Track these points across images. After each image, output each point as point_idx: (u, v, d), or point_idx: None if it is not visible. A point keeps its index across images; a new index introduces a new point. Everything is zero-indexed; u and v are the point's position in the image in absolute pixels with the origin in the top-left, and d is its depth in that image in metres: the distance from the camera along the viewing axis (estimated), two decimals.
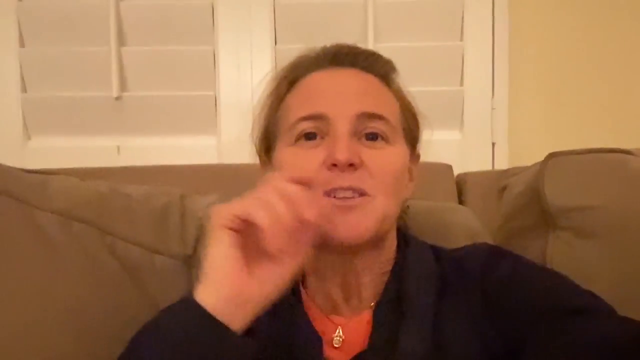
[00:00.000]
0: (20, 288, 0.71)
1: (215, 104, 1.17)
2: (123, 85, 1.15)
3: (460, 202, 0.96)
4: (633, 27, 1.19)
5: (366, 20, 1.15)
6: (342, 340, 0.60)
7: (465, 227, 0.80)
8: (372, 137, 0.59)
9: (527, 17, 1.19)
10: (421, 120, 0.67)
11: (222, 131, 1.16)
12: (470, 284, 0.59)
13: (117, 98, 1.14)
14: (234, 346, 0.49)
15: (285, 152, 0.60)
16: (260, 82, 0.67)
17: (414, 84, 0.67)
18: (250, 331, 0.50)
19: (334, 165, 0.55)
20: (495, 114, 1.17)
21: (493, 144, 1.18)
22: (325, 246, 0.57)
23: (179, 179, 0.94)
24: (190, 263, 0.77)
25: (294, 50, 0.66)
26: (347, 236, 0.55)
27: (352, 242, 0.56)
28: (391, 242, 0.64)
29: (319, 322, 0.61)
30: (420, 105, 0.67)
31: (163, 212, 0.79)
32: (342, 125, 0.57)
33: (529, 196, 0.80)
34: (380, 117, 0.59)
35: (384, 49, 0.67)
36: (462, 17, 1.17)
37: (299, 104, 0.61)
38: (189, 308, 0.48)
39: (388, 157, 0.59)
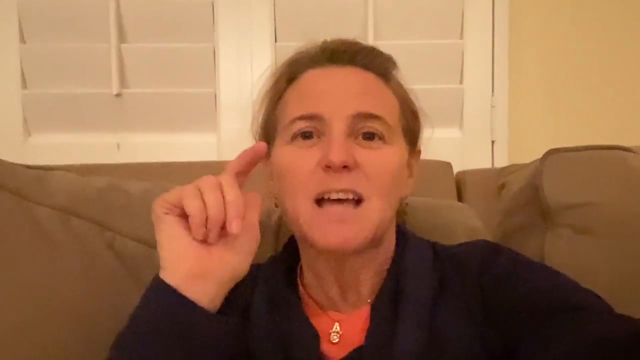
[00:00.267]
0: (19, 283, 0.71)
1: (215, 101, 1.17)
2: (123, 82, 1.15)
3: (460, 199, 0.96)
4: (633, 25, 1.19)
5: (366, 18, 1.15)
6: (340, 336, 0.60)
7: (464, 224, 0.80)
8: (369, 137, 0.59)
9: (527, 15, 1.19)
10: (422, 117, 0.67)
11: (222, 128, 1.16)
12: (468, 280, 0.59)
13: (117, 95, 1.15)
14: (203, 320, 0.50)
15: (281, 151, 0.61)
16: (259, 78, 0.67)
17: (413, 82, 0.67)
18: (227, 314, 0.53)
19: (329, 166, 0.55)
20: (495, 112, 1.17)
21: (493, 142, 1.18)
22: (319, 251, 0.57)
23: (179, 175, 0.93)
24: None
25: (294, 48, 0.66)
26: (339, 249, 0.56)
27: (344, 252, 0.57)
28: (390, 240, 0.64)
29: (317, 318, 0.61)
30: (420, 103, 0.67)
31: None
32: (337, 126, 0.57)
33: (528, 193, 0.80)
34: (376, 117, 0.59)
35: (384, 46, 0.67)
36: (462, 15, 1.17)
37: (296, 103, 0.61)
38: (155, 286, 0.51)
39: (384, 157, 0.59)
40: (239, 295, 0.62)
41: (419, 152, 0.68)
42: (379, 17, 1.16)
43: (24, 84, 1.15)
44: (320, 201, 0.57)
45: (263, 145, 0.57)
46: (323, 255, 0.60)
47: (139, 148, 1.16)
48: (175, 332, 0.50)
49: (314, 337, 0.59)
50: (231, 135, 1.16)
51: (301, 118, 0.59)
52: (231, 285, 0.55)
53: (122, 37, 1.15)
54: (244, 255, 0.55)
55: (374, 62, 0.63)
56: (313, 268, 0.63)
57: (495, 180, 0.93)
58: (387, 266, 0.62)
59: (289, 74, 0.64)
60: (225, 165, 0.56)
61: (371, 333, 0.57)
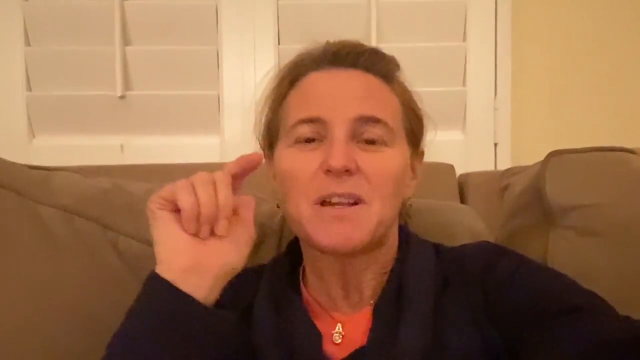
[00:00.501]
0: (22, 282, 0.72)
1: (219, 104, 1.17)
2: (127, 85, 1.16)
3: (462, 202, 0.96)
4: (635, 28, 1.19)
5: (369, 21, 1.15)
6: (342, 336, 0.60)
7: (467, 225, 0.80)
8: (371, 140, 0.59)
9: (529, 18, 1.19)
10: (425, 118, 0.67)
11: (225, 130, 1.17)
12: (471, 281, 0.59)
13: (121, 97, 1.15)
14: (199, 313, 0.51)
15: (284, 154, 0.61)
16: (262, 80, 0.67)
17: (416, 85, 0.67)
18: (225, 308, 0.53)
19: (330, 170, 0.56)
20: (498, 114, 1.17)
21: (495, 145, 1.18)
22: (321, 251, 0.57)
23: (182, 177, 0.94)
24: None
25: (297, 50, 0.66)
26: (341, 247, 0.56)
27: (346, 252, 0.57)
28: (392, 242, 0.64)
29: (319, 319, 0.61)
30: (423, 106, 0.67)
31: None
32: (339, 130, 0.57)
33: (531, 195, 0.79)
34: (378, 120, 0.59)
35: (387, 49, 0.67)
36: (465, 18, 1.17)
37: (298, 106, 0.61)
38: (151, 281, 0.52)
39: (386, 160, 0.59)
40: (241, 295, 0.62)
41: (423, 153, 0.68)
42: (382, 19, 1.16)
43: (29, 86, 1.16)
44: (321, 204, 0.57)
45: (259, 155, 0.57)
46: (325, 256, 0.60)
47: (143, 150, 1.16)
48: (172, 325, 0.50)
49: (317, 337, 0.59)
50: (234, 137, 1.16)
51: (303, 121, 0.59)
52: (227, 280, 0.55)
53: (126, 40, 1.16)
54: (239, 250, 0.56)
55: (376, 64, 0.63)
56: (316, 269, 0.63)
57: (498, 182, 0.93)
58: (390, 267, 0.62)
59: (292, 76, 0.64)
60: (223, 167, 0.57)
61: (373, 334, 0.57)
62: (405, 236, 0.65)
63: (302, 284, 0.65)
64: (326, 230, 0.56)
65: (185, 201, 0.52)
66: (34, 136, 1.17)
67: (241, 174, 0.57)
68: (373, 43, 1.14)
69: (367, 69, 0.63)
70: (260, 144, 0.68)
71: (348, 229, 0.56)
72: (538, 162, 0.81)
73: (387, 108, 0.61)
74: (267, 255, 0.74)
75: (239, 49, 1.17)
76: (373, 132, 0.59)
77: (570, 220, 0.75)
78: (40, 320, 0.70)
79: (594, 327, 0.50)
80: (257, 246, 0.62)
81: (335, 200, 0.56)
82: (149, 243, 0.75)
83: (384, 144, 0.59)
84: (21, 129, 1.15)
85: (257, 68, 1.17)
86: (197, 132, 1.18)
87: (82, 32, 1.16)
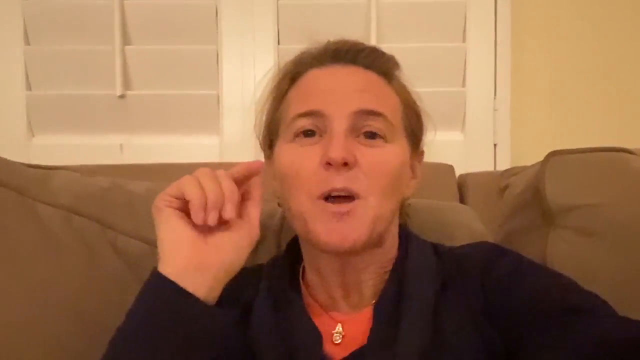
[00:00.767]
0: (21, 281, 0.71)
1: (218, 104, 1.17)
2: (127, 84, 1.16)
3: (462, 202, 0.96)
4: (635, 28, 1.19)
5: (369, 21, 1.15)
6: (342, 336, 0.60)
7: (466, 225, 0.80)
8: (370, 135, 0.59)
9: (529, 18, 1.19)
10: (425, 118, 0.67)
11: (224, 130, 1.17)
12: (470, 281, 0.59)
13: (121, 96, 1.15)
14: (200, 311, 0.51)
15: (284, 149, 0.61)
16: (262, 79, 0.67)
17: (416, 85, 0.67)
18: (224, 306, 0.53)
19: (329, 164, 0.56)
20: (498, 115, 1.17)
21: (495, 145, 1.18)
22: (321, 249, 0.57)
23: (182, 177, 0.94)
24: None
25: (296, 50, 0.66)
26: (339, 245, 0.56)
27: (344, 250, 0.57)
28: (392, 241, 0.64)
29: (319, 318, 0.61)
30: (423, 106, 0.67)
31: None
32: (338, 123, 0.57)
33: (530, 195, 0.80)
34: (378, 115, 0.59)
35: (387, 49, 0.67)
36: (465, 19, 1.17)
37: (298, 101, 0.61)
38: (153, 278, 0.52)
39: (385, 156, 0.59)
40: (240, 295, 0.62)
41: (422, 153, 0.68)
42: (382, 20, 1.16)
43: (28, 86, 1.16)
44: (322, 199, 0.57)
45: (260, 163, 0.58)
46: (325, 255, 0.60)
47: (142, 149, 1.16)
48: (172, 322, 0.51)
49: (317, 337, 0.59)
50: (234, 137, 1.16)
51: (303, 115, 0.59)
52: (227, 279, 0.55)
53: (126, 39, 1.16)
54: (240, 250, 0.56)
55: (376, 62, 0.63)
56: (316, 268, 0.63)
57: (497, 182, 0.94)
58: (390, 267, 0.62)
59: (292, 74, 0.64)
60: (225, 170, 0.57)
61: (374, 334, 0.57)
62: (406, 236, 0.65)
63: (301, 284, 0.65)
64: (325, 229, 0.56)
65: (192, 192, 0.52)
66: (33, 135, 1.17)
67: (240, 181, 0.57)
68: (373, 43, 1.12)
69: (367, 66, 0.63)
70: (260, 143, 0.68)
71: (346, 227, 0.56)
72: (537, 163, 0.81)
73: (387, 103, 0.62)
74: (267, 254, 0.73)
75: (239, 49, 1.17)
76: (373, 125, 0.59)
77: (569, 221, 0.75)
78: (39, 318, 0.70)
79: (593, 328, 0.50)
80: (256, 245, 0.62)
81: (334, 194, 0.56)
82: (148, 242, 0.75)
83: (384, 138, 0.59)
84: (20, 128, 1.15)
85: (257, 68, 1.16)
86: (196, 131, 1.18)
87: (82, 32, 1.15)
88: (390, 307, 0.59)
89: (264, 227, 0.77)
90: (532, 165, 0.83)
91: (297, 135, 0.60)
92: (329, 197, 0.57)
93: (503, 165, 1.15)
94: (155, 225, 0.55)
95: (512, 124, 1.17)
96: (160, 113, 1.17)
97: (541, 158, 0.80)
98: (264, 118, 0.66)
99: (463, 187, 0.99)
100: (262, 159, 0.68)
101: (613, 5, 1.19)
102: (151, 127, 1.17)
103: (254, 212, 0.58)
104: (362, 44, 0.65)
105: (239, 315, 0.57)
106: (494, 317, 0.56)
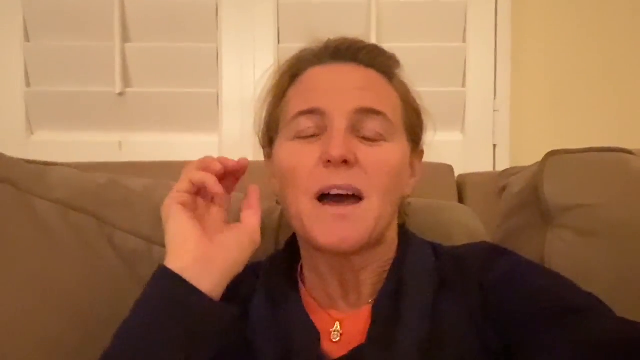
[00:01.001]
0: (18, 275, 0.71)
1: (218, 102, 1.17)
2: (126, 81, 1.16)
3: (461, 202, 0.96)
4: (635, 29, 1.19)
5: (369, 21, 1.15)
6: (341, 335, 0.60)
7: (465, 225, 0.80)
8: (371, 133, 0.59)
9: (529, 19, 1.19)
10: (425, 117, 0.67)
11: (223, 129, 1.17)
12: (468, 281, 0.59)
13: (120, 94, 1.15)
14: (205, 306, 0.52)
15: (284, 147, 0.61)
16: (262, 77, 0.67)
17: (416, 85, 0.67)
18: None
19: (329, 161, 0.56)
20: (497, 115, 1.17)
21: (494, 146, 1.18)
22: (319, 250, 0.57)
23: (180, 175, 0.94)
24: None
25: (296, 49, 0.66)
26: (338, 246, 0.56)
27: (344, 251, 0.57)
28: (391, 241, 0.64)
29: (318, 317, 0.61)
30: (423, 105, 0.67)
31: (161, 204, 0.79)
32: (338, 121, 0.57)
33: (528, 195, 0.79)
34: (378, 113, 0.59)
35: (387, 49, 0.67)
36: (465, 19, 1.17)
37: (298, 99, 0.61)
38: (159, 273, 0.53)
39: (385, 154, 0.59)
40: (239, 292, 0.62)
41: (422, 152, 0.68)
42: (382, 20, 1.16)
43: (28, 82, 1.16)
44: (321, 198, 0.57)
45: (245, 160, 0.60)
46: (324, 254, 0.60)
47: (141, 147, 1.16)
48: (179, 316, 0.51)
49: (315, 336, 0.59)
50: (233, 135, 1.16)
51: (303, 113, 0.59)
52: (231, 277, 0.56)
53: (125, 37, 1.16)
54: (243, 250, 0.57)
55: (376, 60, 0.63)
56: (314, 267, 0.63)
57: (496, 182, 0.93)
58: (389, 267, 0.62)
59: (292, 72, 0.64)
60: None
61: (372, 332, 0.57)
62: (404, 235, 0.65)
63: (300, 282, 0.65)
64: (325, 230, 0.56)
65: (200, 175, 0.56)
66: (32, 132, 1.17)
67: (231, 173, 0.59)
68: (373, 42, 1.14)
69: (368, 64, 0.63)
70: (260, 141, 0.67)
71: (347, 229, 0.56)
72: (536, 163, 0.81)
73: (387, 102, 0.61)
74: (265, 252, 0.73)
75: (239, 47, 1.17)
76: (373, 124, 0.59)
77: (567, 221, 0.75)
78: (34, 312, 0.70)
79: (591, 329, 0.50)
80: None
81: (334, 191, 0.56)
82: (145, 238, 0.75)
83: (384, 137, 0.59)
84: (20, 124, 1.15)
85: (257, 66, 1.17)
86: (195, 130, 1.18)
87: (82, 29, 1.15)
88: (388, 305, 0.59)
89: (262, 225, 0.77)
90: (531, 165, 0.83)
91: (297, 133, 0.60)
92: (328, 196, 0.57)
93: (502, 165, 1.15)
94: (164, 222, 0.56)
95: (511, 125, 1.17)
96: (160, 111, 1.17)
97: (540, 159, 0.80)
98: (263, 116, 0.66)
99: (462, 187, 0.99)
100: (262, 157, 0.68)
101: (613, 6, 1.19)
102: (150, 125, 1.17)
103: (253, 220, 0.59)
104: (363, 41, 0.64)
105: (240, 312, 0.57)
106: (491, 316, 0.56)
